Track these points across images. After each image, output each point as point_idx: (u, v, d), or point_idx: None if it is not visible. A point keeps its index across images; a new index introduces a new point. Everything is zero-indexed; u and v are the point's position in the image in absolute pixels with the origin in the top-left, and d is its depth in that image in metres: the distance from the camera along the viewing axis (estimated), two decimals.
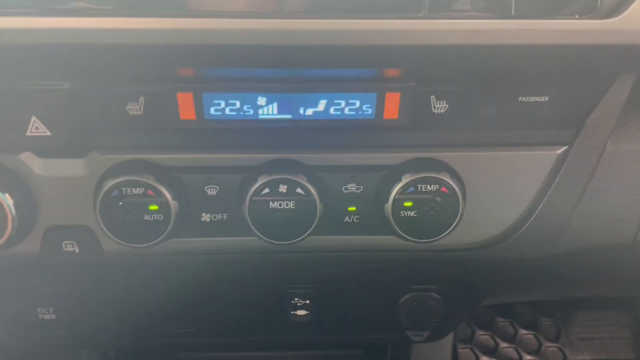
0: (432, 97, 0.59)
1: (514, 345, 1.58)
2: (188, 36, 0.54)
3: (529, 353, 1.57)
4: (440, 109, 0.60)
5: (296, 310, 0.81)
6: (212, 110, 0.60)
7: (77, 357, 1.02)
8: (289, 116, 0.61)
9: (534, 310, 1.63)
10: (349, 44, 0.53)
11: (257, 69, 0.58)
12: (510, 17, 0.53)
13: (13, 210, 0.61)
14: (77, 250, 0.67)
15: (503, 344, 1.58)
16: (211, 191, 0.66)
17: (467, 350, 1.56)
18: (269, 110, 0.61)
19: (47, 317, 0.79)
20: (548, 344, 1.59)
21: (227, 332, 0.85)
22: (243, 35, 0.54)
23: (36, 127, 0.58)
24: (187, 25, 0.53)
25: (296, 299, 0.80)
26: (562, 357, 1.56)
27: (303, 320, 0.82)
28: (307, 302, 0.80)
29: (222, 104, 0.60)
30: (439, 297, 0.79)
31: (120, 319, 0.80)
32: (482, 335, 1.59)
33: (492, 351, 1.56)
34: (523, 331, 1.61)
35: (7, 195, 0.61)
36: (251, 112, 0.61)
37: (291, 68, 0.58)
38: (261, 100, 0.60)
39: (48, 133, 0.59)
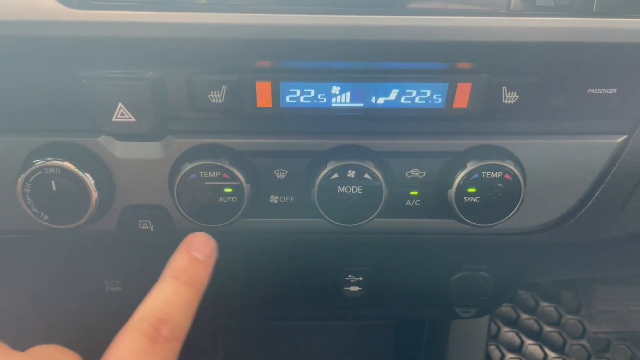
0: (504, 89, 0.61)
1: (534, 317, 1.62)
2: (270, 31, 0.56)
3: (549, 325, 1.60)
4: (511, 99, 0.62)
5: (350, 287, 0.85)
6: (287, 99, 0.62)
7: None
8: (360, 104, 0.63)
9: (555, 283, 1.66)
10: (433, 40, 0.55)
11: (334, 61, 0.60)
12: (591, 14, 0.54)
13: (95, 190, 0.64)
14: (151, 229, 0.70)
15: (524, 316, 1.61)
16: (280, 174, 0.68)
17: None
18: (342, 98, 0.63)
19: (113, 289, 0.83)
20: (568, 317, 1.62)
21: (282, 305, 0.89)
22: (322, 30, 0.56)
23: (122, 113, 0.61)
24: (269, 21, 0.55)
25: (350, 276, 0.84)
26: (582, 330, 1.59)
27: (355, 295, 0.85)
28: (361, 279, 0.84)
29: (298, 92, 0.62)
30: (489, 276, 0.82)
31: None
32: (504, 307, 1.63)
33: (513, 323, 1.60)
34: (544, 304, 1.64)
35: (88, 174, 0.64)
36: (325, 100, 0.63)
37: (368, 61, 0.60)
38: (335, 89, 0.62)
39: (133, 119, 0.61)
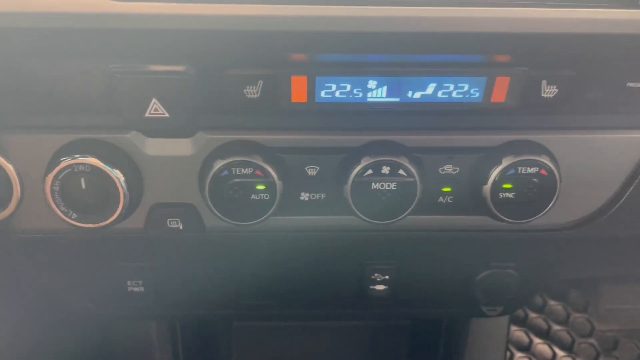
0: (544, 82, 0.60)
1: (543, 316, 1.61)
2: (308, 22, 0.55)
3: (557, 323, 1.60)
4: (550, 93, 0.61)
5: (375, 285, 0.83)
6: (322, 94, 0.61)
7: (146, 326, 1.06)
8: (396, 99, 0.62)
9: (562, 282, 1.65)
10: (476, 32, 0.54)
11: (370, 54, 0.59)
12: (637, 6, 0.53)
13: (125, 187, 0.63)
14: (181, 227, 0.69)
15: (532, 315, 1.61)
16: (311, 171, 0.67)
17: None
18: (378, 93, 0.62)
19: (136, 289, 0.81)
20: (576, 315, 1.62)
21: (305, 304, 0.88)
22: (360, 22, 0.55)
23: (155, 109, 0.59)
24: (307, 12, 0.55)
25: (376, 275, 0.83)
26: (590, 328, 1.59)
27: (381, 294, 0.84)
28: (387, 277, 0.83)
29: (333, 87, 0.61)
30: (516, 274, 0.81)
31: (206, 291, 0.83)
32: None
33: (521, 321, 1.59)
34: (552, 302, 1.64)
35: (118, 171, 0.63)
36: (360, 95, 0.62)
37: (405, 54, 0.59)
38: (371, 84, 0.61)
39: (166, 114, 0.60)
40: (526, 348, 1.56)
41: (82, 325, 1.03)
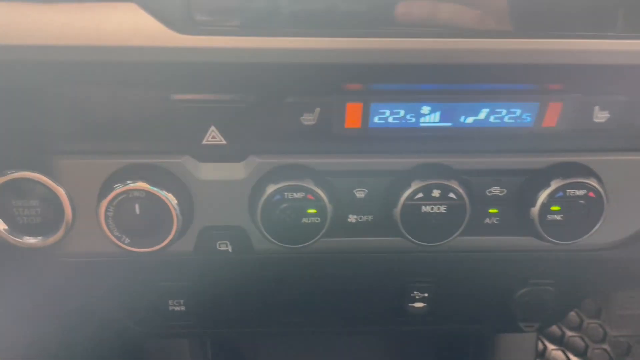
0: (596, 108, 0.61)
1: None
2: (368, 55, 0.55)
3: (571, 329, 1.61)
4: (602, 118, 0.62)
5: (414, 303, 0.84)
6: (376, 119, 0.62)
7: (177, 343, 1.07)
8: (449, 124, 0.63)
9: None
10: (530, 64, 0.55)
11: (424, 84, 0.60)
12: None
13: (178, 211, 0.63)
14: (230, 250, 0.69)
15: None
16: (360, 194, 0.68)
17: None
18: (431, 118, 0.62)
19: (177, 308, 0.82)
20: (590, 321, 1.62)
21: (343, 321, 0.88)
22: (412, 54, 0.56)
23: (213, 136, 0.60)
24: (359, 45, 0.55)
25: (415, 292, 0.83)
26: (603, 333, 1.59)
27: (420, 312, 0.85)
28: (426, 295, 0.83)
29: (387, 112, 0.61)
30: (555, 290, 0.82)
31: (246, 309, 0.83)
32: None
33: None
34: None
35: (171, 196, 0.63)
36: (413, 120, 0.62)
37: (459, 84, 0.59)
38: (425, 109, 0.62)
39: (223, 142, 0.60)
40: (541, 354, 1.57)
41: (113, 339, 1.03)
